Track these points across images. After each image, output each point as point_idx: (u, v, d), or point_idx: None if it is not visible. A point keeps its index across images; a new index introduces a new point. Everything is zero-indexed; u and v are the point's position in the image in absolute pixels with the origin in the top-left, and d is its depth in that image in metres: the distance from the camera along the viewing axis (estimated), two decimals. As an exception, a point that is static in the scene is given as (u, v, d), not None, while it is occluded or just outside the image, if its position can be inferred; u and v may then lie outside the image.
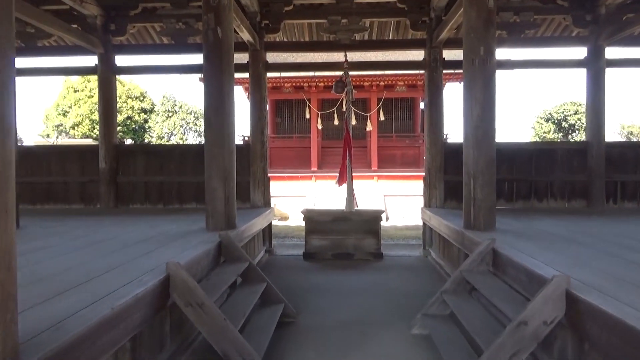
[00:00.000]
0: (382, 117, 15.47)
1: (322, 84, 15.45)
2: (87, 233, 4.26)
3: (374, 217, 6.32)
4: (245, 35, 6.00)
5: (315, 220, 6.31)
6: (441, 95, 6.59)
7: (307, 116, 15.72)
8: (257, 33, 6.43)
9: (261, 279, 3.63)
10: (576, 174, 6.62)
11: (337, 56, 7.05)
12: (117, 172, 6.90)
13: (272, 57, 7.04)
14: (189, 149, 7.23)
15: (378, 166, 15.74)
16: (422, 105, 18.97)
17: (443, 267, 5.51)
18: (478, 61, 4.04)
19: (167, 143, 30.58)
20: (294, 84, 15.48)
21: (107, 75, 6.80)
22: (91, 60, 6.97)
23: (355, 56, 7.09)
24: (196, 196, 6.73)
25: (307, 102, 15.71)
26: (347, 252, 6.24)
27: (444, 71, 6.69)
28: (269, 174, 14.82)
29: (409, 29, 6.61)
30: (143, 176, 6.93)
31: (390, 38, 6.80)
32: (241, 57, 7.09)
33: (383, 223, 12.04)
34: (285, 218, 13.80)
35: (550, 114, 25.44)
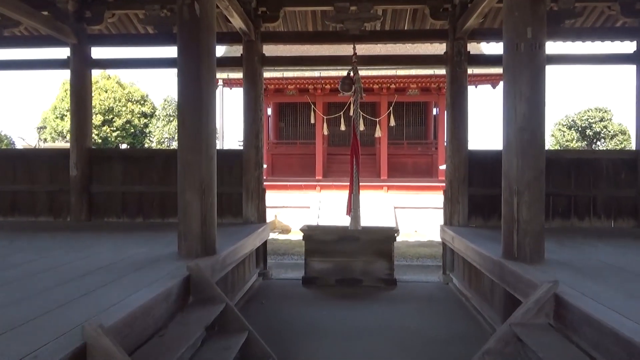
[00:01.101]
0: (392, 123, 14.74)
1: (328, 86, 14.69)
2: (29, 259, 3.48)
3: (386, 237, 5.50)
4: (237, 22, 5.24)
5: (317, 240, 5.51)
6: (465, 94, 5.79)
7: (312, 121, 15.01)
8: (252, 21, 5.68)
9: (241, 326, 2.83)
10: (623, 188, 5.78)
11: (345, 50, 6.29)
12: (91, 181, 6.14)
13: (270, 50, 6.28)
14: (173, 155, 6.42)
15: (388, 175, 14.92)
16: (435, 111, 18.21)
17: (470, 299, 4.67)
18: (524, 46, 3.24)
19: (148, 147, 29.74)
20: (297, 86, 14.75)
21: (80, 69, 6.07)
22: (64, 53, 6.26)
23: (365, 50, 6.32)
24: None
25: (312, 106, 14.98)
26: (354, 278, 5.42)
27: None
28: (271, 182, 14.03)
29: (427, 18, 5.83)
30: (120, 185, 6.17)
31: (405, 28, 6.01)
32: (234, 50, 6.36)
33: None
34: (286, 231, 13.01)
35: (573, 120, 24.47)
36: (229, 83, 13.83)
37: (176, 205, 5.92)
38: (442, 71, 12.77)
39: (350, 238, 5.50)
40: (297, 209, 13.43)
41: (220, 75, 12.85)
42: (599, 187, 5.79)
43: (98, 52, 6.49)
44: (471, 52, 5.82)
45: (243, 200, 5.96)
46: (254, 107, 5.93)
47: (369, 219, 12.29)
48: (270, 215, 13.64)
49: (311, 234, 5.55)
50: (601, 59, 6.06)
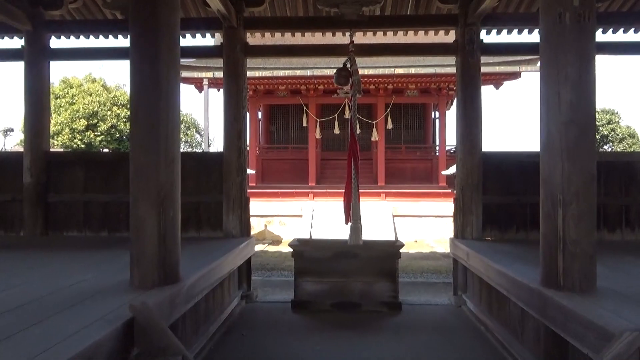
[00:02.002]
0: (390, 125, 14.12)
1: (321, 87, 14.05)
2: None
3: (390, 253, 4.81)
4: (216, 4, 4.57)
5: (309, 257, 4.81)
6: (478, 88, 5.15)
7: (305, 124, 14.36)
8: (233, 4, 5.01)
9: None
10: (659, 195, 5.15)
11: (340, 39, 5.64)
12: (47, 189, 5.42)
13: (255, 42, 5.62)
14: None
15: (385, 181, 14.27)
16: (434, 114, 17.64)
17: (491, 329, 3.99)
18: (570, 17, 2.58)
19: (115, 150, 28.83)
20: (289, 87, 14.09)
21: (36, 59, 5.37)
22: (18, 42, 5.56)
23: (363, 38, 5.67)
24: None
25: (305, 108, 14.33)
26: (352, 302, 4.72)
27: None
28: (261, 189, 13.37)
29: (434, 2, 5.19)
30: (82, 194, 5.46)
31: (408, 13, 5.36)
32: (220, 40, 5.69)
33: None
34: (277, 242, 12.30)
35: None
36: (215, 83, 13.12)
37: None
38: (443, 70, 12.19)
39: (347, 255, 4.81)
40: (288, 218, 12.74)
41: (205, 75, 12.17)
42: (631, 194, 5.15)
43: (58, 42, 5.77)
44: (484, 41, 5.18)
45: (223, 210, 5.26)
46: (235, 103, 5.25)
47: (366, 228, 11.60)
48: (259, 225, 12.97)
49: (302, 250, 4.85)
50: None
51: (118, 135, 34.91)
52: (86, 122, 34.16)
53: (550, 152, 2.70)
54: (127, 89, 39.94)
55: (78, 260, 3.91)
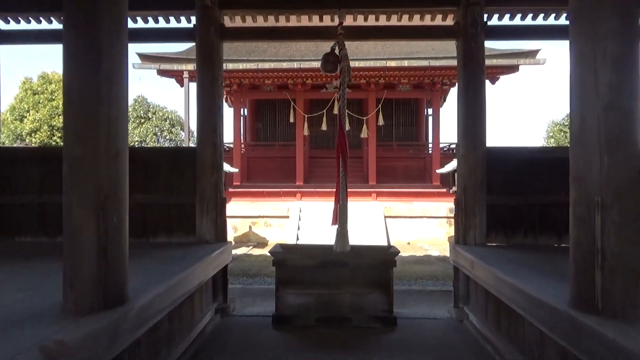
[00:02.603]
0: (381, 122, 13.65)
1: (309, 81, 13.53)
2: None
3: (383, 261, 4.33)
4: (184, -23, 4.04)
5: (292, 266, 4.30)
6: (482, 76, 4.68)
7: (292, 120, 13.84)
8: (206, -21, 4.48)
9: None
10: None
11: (329, 23, 5.14)
12: (-4, 189, 4.85)
13: (233, 25, 5.08)
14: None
15: (377, 180, 13.80)
16: (427, 110, 17.21)
17: (500, 350, 3.52)
18: (610, -24, 2.11)
19: None
20: (275, 80, 13.54)
21: None
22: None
23: (354, 23, 5.17)
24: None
25: (292, 103, 13.80)
26: (341, 316, 4.23)
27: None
28: (245, 189, 12.81)
29: (433, -20, 4.71)
30: (37, 195, 4.89)
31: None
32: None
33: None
34: (262, 244, 11.78)
35: None
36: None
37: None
38: (438, 63, 11.75)
39: (335, 263, 4.31)
40: (275, 219, 12.22)
41: (186, 67, 11.58)
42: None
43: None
44: (489, 24, 4.71)
45: (197, 213, 4.73)
46: (210, 93, 4.72)
47: (356, 231, 11.11)
48: (244, 226, 12.43)
49: (284, 257, 4.34)
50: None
51: (99, 132, 34.09)
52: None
53: (585, 144, 2.22)
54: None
55: (23, 272, 3.37)
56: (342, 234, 4.49)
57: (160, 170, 4.84)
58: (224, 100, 4.93)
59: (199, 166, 4.72)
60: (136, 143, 35.43)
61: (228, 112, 15.05)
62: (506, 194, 4.76)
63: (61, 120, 25.57)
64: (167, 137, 39.50)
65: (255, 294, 5.91)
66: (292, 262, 4.32)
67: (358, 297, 4.26)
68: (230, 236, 12.41)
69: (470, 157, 4.65)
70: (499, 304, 3.57)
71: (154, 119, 37.30)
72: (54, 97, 33.95)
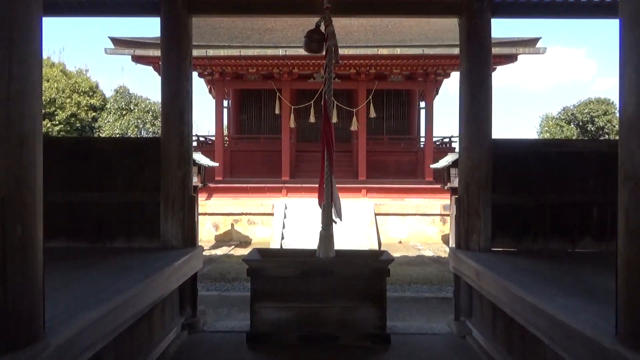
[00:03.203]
0: (372, 114, 13.15)
1: (296, 70, 12.96)
2: None
3: (375, 270, 3.81)
4: None
5: (270, 276, 3.76)
6: (488, 57, 4.19)
7: (277, 111, 13.28)
8: (171, -58, 3.90)
9: None
10: None
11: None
12: None
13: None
14: (80, 144, 4.55)
15: (367, 175, 13.30)
16: (420, 103, 16.74)
17: (512, 377, 3.02)
18: None
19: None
20: (259, 69, 12.94)
21: None
22: None
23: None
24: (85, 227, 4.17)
25: (278, 94, 13.22)
26: (326, 334, 3.72)
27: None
28: (228, 184, 12.20)
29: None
30: None
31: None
32: None
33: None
34: (246, 243, 11.24)
35: (572, 114, 23.20)
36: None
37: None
38: (432, 51, 11.24)
39: (320, 272, 3.78)
40: (258, 217, 11.67)
41: (163, 53, 10.90)
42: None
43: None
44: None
45: (161, 213, 4.17)
46: (176, 75, 4.15)
47: (344, 230, 10.61)
48: (226, 224, 11.85)
49: (261, 267, 3.80)
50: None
51: (79, 124, 33.25)
52: (43, 110, 32.38)
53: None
54: (90, 74, 38.14)
55: None
56: (326, 237, 3.98)
57: (118, 164, 4.27)
58: (192, 83, 4.36)
59: (164, 159, 4.16)
60: (117, 135, 34.57)
61: (211, 103, 14.51)
62: (514, 193, 4.27)
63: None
64: (149, 130, 38.65)
65: (232, 303, 5.38)
66: (269, 271, 3.78)
67: (346, 312, 3.74)
68: (211, 235, 11.88)
69: (473, 150, 4.15)
70: (510, 321, 3.08)
71: (136, 110, 36.43)
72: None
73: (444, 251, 9.93)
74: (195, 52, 11.05)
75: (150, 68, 12.13)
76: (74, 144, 4.90)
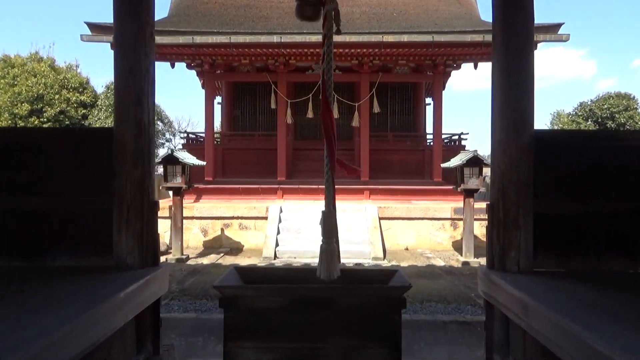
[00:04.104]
0: (376, 109, 12.33)
1: (293, 61, 12.15)
2: None
3: (388, 300, 2.99)
4: None
5: (249, 308, 2.95)
6: (530, 25, 3.36)
7: (273, 106, 12.46)
8: None
9: None
10: None
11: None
12: None
13: None
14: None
15: (370, 176, 12.48)
16: (428, 100, 15.95)
17: None
18: None
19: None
20: (253, 59, 12.12)
21: None
22: None
23: None
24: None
25: (273, 86, 12.40)
26: (323, 385, 2.90)
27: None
28: (218, 185, 11.33)
29: None
30: None
31: None
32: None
33: (379, 262, 8.76)
34: (237, 250, 10.43)
35: (591, 110, 22.13)
36: (158, 52, 11.02)
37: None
38: (443, 38, 10.41)
39: (316, 301, 2.97)
40: (251, 220, 10.86)
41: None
42: None
43: None
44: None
45: (114, 223, 3.35)
46: (132, 47, 3.34)
47: (345, 236, 9.78)
48: (215, 229, 11.00)
49: (238, 295, 2.98)
50: None
51: (68, 122, 32.49)
52: (30, 107, 31.68)
53: None
54: (80, 70, 37.30)
55: None
56: (328, 252, 3.15)
57: (62, 161, 3.46)
58: (154, 63, 3.54)
59: (117, 155, 3.34)
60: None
61: (201, 96, 13.74)
62: (560, 199, 3.45)
63: (24, 107, 23.65)
64: (142, 128, 37.90)
65: (211, 329, 4.56)
66: (249, 300, 2.96)
67: (349, 354, 2.93)
68: (199, 241, 11.05)
69: (511, 145, 3.32)
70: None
71: (129, 107, 35.57)
72: (15, 83, 32.14)
73: (455, 260, 9.13)
74: (182, 39, 10.27)
75: None
76: (3, 135, 4.08)
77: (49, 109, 31.66)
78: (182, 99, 75.38)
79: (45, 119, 31.34)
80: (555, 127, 24.26)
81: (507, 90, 3.35)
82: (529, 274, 3.31)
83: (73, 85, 33.48)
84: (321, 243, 3.18)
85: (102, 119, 33.72)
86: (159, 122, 40.46)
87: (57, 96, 31.93)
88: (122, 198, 3.33)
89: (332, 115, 3.17)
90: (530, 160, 3.32)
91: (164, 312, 5.63)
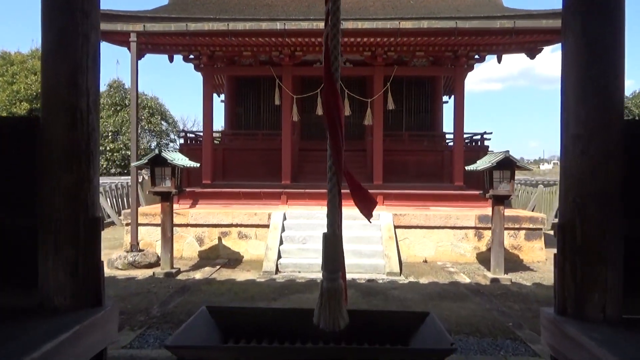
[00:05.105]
0: (390, 105, 11.40)
1: (299, 52, 11.28)
2: None
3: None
4: None
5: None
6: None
7: (278, 102, 11.59)
8: None
9: None
10: None
11: None
12: None
13: None
14: None
15: (383, 179, 11.55)
16: (446, 98, 15.04)
17: None
18: None
19: None
20: (256, 50, 11.25)
21: None
22: None
23: None
24: None
25: (278, 81, 11.53)
26: None
27: None
28: (216, 189, 10.45)
29: None
30: None
31: None
32: None
33: (395, 278, 7.85)
34: (236, 261, 9.57)
35: (627, 107, 21.03)
36: (153, 43, 10.21)
37: None
38: (467, 25, 9.45)
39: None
40: (252, 229, 10.00)
41: (134, 27, 9.24)
42: None
43: None
44: None
45: (39, 248, 2.48)
46: (66, 5, 2.47)
47: (356, 247, 8.88)
48: (212, 238, 10.11)
49: (197, 357, 2.09)
50: None
51: (68, 121, 31.97)
52: (29, 106, 31.26)
53: None
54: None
55: None
56: (332, 292, 2.26)
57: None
58: (98, 33, 2.69)
59: (42, 155, 2.47)
60: (110, 133, 33.22)
61: (215, 100, 12.93)
62: (658, 217, 2.52)
63: (23, 106, 22.96)
64: (145, 128, 37.30)
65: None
66: (217, 366, 2.07)
67: None
68: (194, 251, 10.18)
69: (593, 141, 2.41)
70: None
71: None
72: (14, 81, 31.68)
73: (482, 276, 8.17)
74: (174, 27, 9.43)
75: (146, 59, 10.47)
76: None
77: (49, 108, 31.14)
78: (188, 97, 74.96)
79: (44, 118, 30.79)
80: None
81: (587, 67, 2.44)
82: (617, 324, 2.38)
83: (75, 83, 32.99)
84: (322, 279, 2.29)
85: (104, 118, 33.19)
86: (163, 122, 39.88)
87: (57, 94, 31.45)
88: (49, 214, 2.46)
89: (339, 97, 2.28)
90: (620, 164, 2.41)
91: (135, 345, 4.79)
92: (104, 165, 32.75)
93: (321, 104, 10.81)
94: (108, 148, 32.85)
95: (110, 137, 33.32)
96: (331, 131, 2.16)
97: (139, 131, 36.99)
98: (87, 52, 2.54)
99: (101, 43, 3.02)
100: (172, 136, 41.52)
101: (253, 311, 2.84)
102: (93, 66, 2.60)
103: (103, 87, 36.49)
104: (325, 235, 2.29)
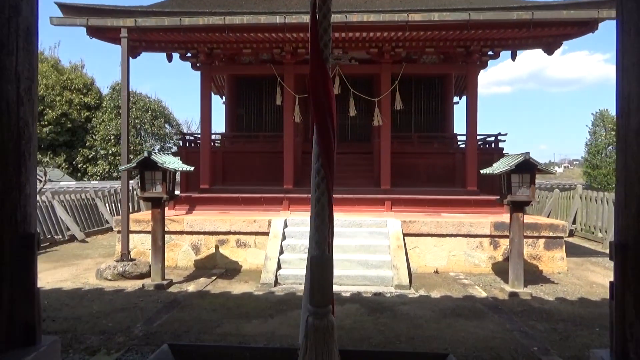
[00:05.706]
0: (398, 105, 10.86)
1: (301, 49, 10.76)
2: None
3: None
4: None
5: None
6: None
7: (279, 102, 11.10)
8: None
9: None
10: None
11: None
12: None
13: None
14: None
15: (391, 184, 11.00)
16: (456, 99, 14.48)
17: None
18: None
19: None
20: (256, 47, 10.75)
21: None
22: None
23: None
24: None
25: (279, 80, 11.04)
26: None
27: None
28: (214, 193, 10.19)
29: None
30: None
31: None
32: None
33: (404, 292, 7.36)
34: (234, 270, 9.05)
35: None
36: (146, 40, 9.74)
37: None
38: (482, 17, 8.89)
39: None
40: (251, 237, 9.49)
41: (125, 23, 8.78)
42: None
43: None
44: None
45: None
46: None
47: (362, 257, 8.33)
48: (209, 246, 9.59)
49: None
50: None
51: (70, 125, 31.80)
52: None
53: None
54: (86, 70, 36.60)
55: None
56: (320, 333, 1.76)
57: None
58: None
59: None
60: (112, 137, 32.92)
61: (213, 97, 12.45)
62: None
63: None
64: (148, 131, 36.99)
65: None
66: None
67: None
68: (190, 260, 9.69)
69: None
70: None
71: (134, 109, 34.89)
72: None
73: (499, 289, 7.60)
74: (167, 21, 8.97)
75: (150, 63, 10.04)
76: None
77: (50, 111, 30.96)
78: (193, 100, 74.81)
79: (45, 122, 30.63)
80: (599, 129, 22.49)
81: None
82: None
83: (77, 87, 32.83)
84: (307, 315, 1.78)
85: (106, 121, 32.94)
86: (167, 125, 39.55)
87: (58, 98, 31.24)
88: (-35, 230, 1.97)
89: (329, 79, 1.77)
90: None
91: (109, 373, 4.30)
92: (107, 170, 32.48)
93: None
94: (111, 152, 32.55)
95: (113, 141, 33.00)
96: (319, 123, 1.65)
97: (143, 135, 36.73)
98: (15, 26, 2.04)
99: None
100: (175, 139, 41.22)
101: (226, 351, 2.32)
102: (26, 46, 2.11)
103: (105, 90, 36.30)
104: (312, 258, 1.78)
